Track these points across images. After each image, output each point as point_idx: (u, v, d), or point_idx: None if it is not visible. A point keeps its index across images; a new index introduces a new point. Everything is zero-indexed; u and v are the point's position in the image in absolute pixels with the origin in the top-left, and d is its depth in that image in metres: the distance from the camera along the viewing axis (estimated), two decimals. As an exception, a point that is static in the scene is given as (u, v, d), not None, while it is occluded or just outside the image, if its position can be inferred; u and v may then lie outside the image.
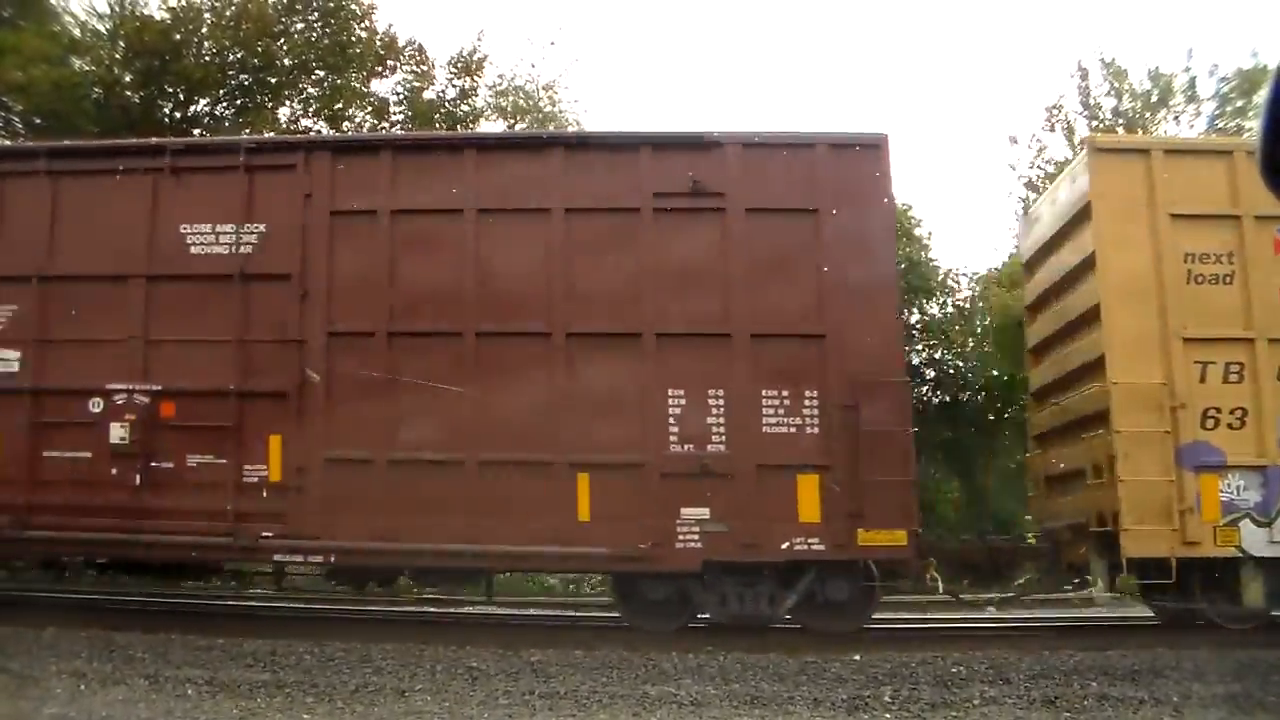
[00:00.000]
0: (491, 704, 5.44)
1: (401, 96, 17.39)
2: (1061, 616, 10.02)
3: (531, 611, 10.53)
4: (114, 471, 7.72)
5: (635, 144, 7.90)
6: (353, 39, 16.53)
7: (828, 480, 7.33)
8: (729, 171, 7.73)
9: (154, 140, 8.49)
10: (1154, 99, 20.80)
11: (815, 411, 7.43)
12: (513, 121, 18.90)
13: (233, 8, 15.65)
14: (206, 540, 7.67)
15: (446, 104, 17.44)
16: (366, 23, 16.78)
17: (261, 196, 8.05)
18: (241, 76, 16.23)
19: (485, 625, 8.99)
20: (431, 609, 10.40)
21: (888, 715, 5.39)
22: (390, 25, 17.39)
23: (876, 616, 9.68)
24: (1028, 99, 44.90)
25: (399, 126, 16.80)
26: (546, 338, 7.63)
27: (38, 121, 15.08)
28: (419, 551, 7.58)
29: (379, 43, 16.84)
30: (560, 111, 19.95)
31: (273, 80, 16.32)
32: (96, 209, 8.19)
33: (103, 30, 16.03)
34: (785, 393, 7.45)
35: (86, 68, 15.36)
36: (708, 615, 7.66)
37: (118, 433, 7.79)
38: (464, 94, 17.70)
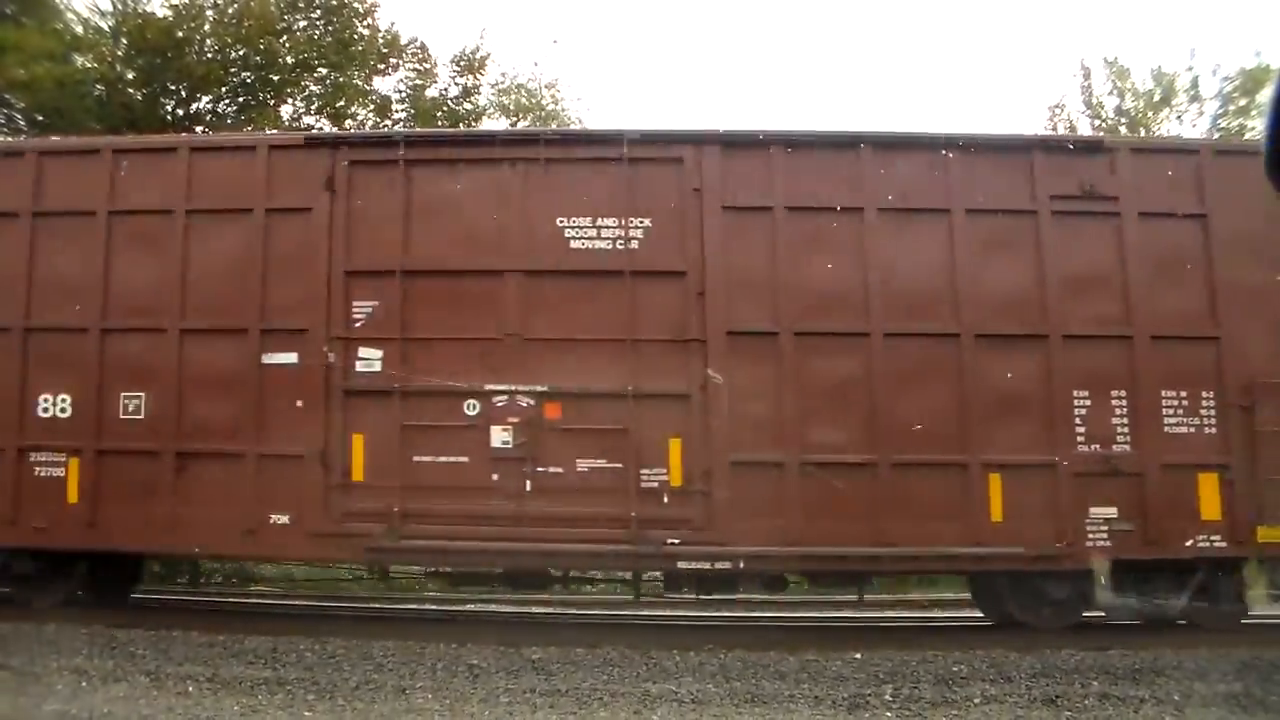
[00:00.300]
0: (492, 701, 5.45)
1: (404, 94, 17.41)
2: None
3: (533, 609, 10.53)
4: (495, 477, 7.45)
5: (1027, 147, 7.96)
6: (355, 37, 16.52)
7: (1227, 479, 7.41)
8: (1120, 176, 7.79)
9: (527, 129, 8.01)
10: (1157, 98, 20.77)
11: (1212, 412, 7.52)
12: (515, 119, 18.94)
13: (235, 5, 15.63)
14: (605, 548, 7.43)
15: (449, 102, 17.45)
16: (369, 21, 16.77)
17: (645, 189, 7.77)
18: (244, 74, 16.20)
19: (486, 622, 9.00)
20: (431, 606, 10.42)
21: (888, 713, 5.40)
22: (393, 23, 17.47)
23: (877, 614, 9.72)
24: (1030, 98, 44.88)
25: (401, 124, 16.81)
26: (955, 339, 7.59)
27: (40, 118, 15.11)
28: (826, 555, 7.49)
29: (381, 41, 16.84)
30: (563, 110, 20.04)
31: (275, 78, 16.30)
32: (460, 200, 7.86)
33: (105, 27, 16.02)
34: (1183, 393, 7.54)
35: (89, 65, 15.33)
36: (1102, 613, 7.70)
37: (500, 436, 7.46)
38: (466, 92, 17.71)
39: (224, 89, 16.17)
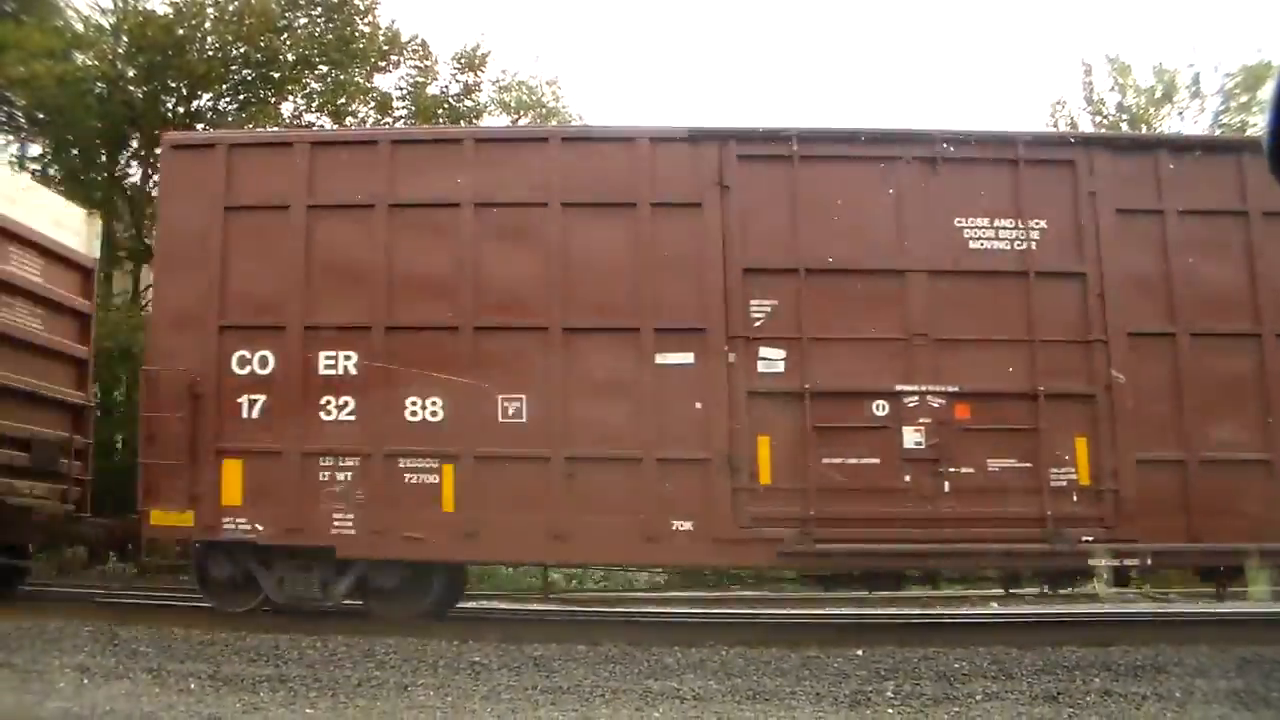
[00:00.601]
0: (494, 699, 5.44)
1: (405, 92, 17.41)
2: (1064, 612, 10.02)
3: (534, 606, 10.54)
4: (907, 478, 7.44)
5: None
6: (356, 34, 16.53)
7: None
8: None
9: (920, 129, 8.02)
10: (1158, 95, 20.75)
11: None
12: (516, 117, 18.95)
13: (235, 3, 15.64)
14: (1021, 547, 7.46)
15: (450, 99, 17.45)
16: (369, 18, 16.80)
17: (1038, 191, 7.84)
18: (244, 71, 16.23)
19: (488, 620, 9.00)
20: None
21: (890, 710, 5.39)
22: (393, 21, 17.44)
23: (877, 610, 9.73)
24: (1031, 95, 44.81)
25: (402, 122, 16.81)
26: None
27: (41, 116, 15.12)
28: (1228, 551, 7.53)
29: (382, 38, 16.85)
30: (563, 107, 20.07)
31: (276, 75, 16.32)
32: (853, 197, 7.83)
33: (106, 25, 16.04)
34: None
35: (90, 63, 15.36)
36: None
37: (912, 437, 7.46)
38: (467, 89, 17.71)
39: (225, 86, 16.21)
